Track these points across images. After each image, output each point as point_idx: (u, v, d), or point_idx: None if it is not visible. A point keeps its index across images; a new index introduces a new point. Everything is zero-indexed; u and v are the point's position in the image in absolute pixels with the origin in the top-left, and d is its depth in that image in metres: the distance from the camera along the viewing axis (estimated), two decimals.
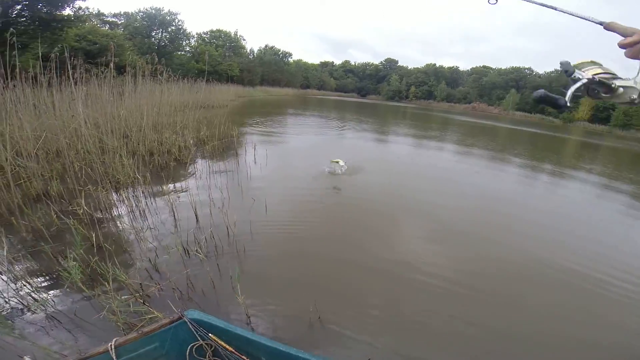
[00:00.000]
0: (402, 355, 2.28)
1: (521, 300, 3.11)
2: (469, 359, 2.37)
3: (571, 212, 6.19)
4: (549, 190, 7.93)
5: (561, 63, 0.74)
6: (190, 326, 1.72)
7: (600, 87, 0.72)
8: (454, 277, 3.31)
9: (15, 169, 4.31)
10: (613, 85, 0.70)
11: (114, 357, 1.53)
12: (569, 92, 0.74)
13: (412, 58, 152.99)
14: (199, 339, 1.73)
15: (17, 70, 5.42)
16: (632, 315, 3.05)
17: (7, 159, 4.30)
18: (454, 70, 65.58)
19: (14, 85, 5.89)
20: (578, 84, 0.73)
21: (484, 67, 60.93)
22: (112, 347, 1.55)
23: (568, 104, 0.75)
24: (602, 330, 2.83)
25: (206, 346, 1.75)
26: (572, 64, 0.75)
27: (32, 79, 6.11)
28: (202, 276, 2.85)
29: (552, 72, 49.37)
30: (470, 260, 3.75)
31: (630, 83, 0.71)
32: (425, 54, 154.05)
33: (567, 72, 0.76)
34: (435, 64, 67.23)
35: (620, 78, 0.72)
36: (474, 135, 19.21)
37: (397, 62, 76.55)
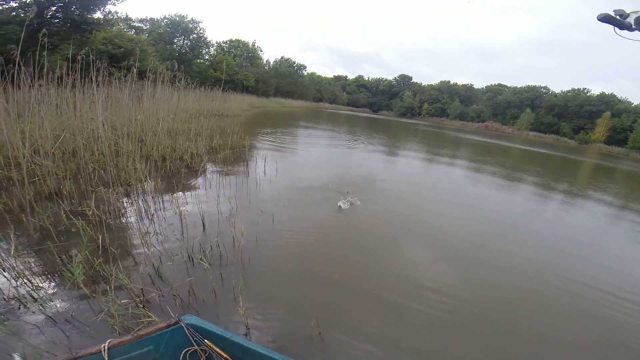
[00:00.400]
0: None
1: (523, 327, 2.96)
2: None
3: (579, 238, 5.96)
4: (558, 216, 7.66)
5: (615, 10, 0.90)
6: (187, 331, 1.70)
7: None
8: (460, 302, 3.18)
9: (31, 166, 4.41)
10: None
11: (106, 358, 1.51)
12: (635, 15, 0.91)
13: (427, 75, 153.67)
14: (194, 344, 1.71)
15: (45, 70, 5.61)
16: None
17: (24, 156, 4.42)
18: (468, 88, 65.16)
19: (40, 85, 6.12)
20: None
21: (499, 85, 60.35)
22: (105, 348, 1.53)
23: (633, 26, 0.92)
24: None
25: (200, 352, 1.72)
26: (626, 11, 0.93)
27: (58, 80, 6.32)
28: (204, 285, 2.80)
29: (568, 92, 48.26)
30: (475, 285, 3.60)
31: None
32: (440, 71, 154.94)
33: (622, 16, 0.93)
34: (449, 81, 67.07)
35: None
36: (485, 154, 18.95)
37: (411, 78, 76.88)
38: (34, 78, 5.83)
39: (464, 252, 4.43)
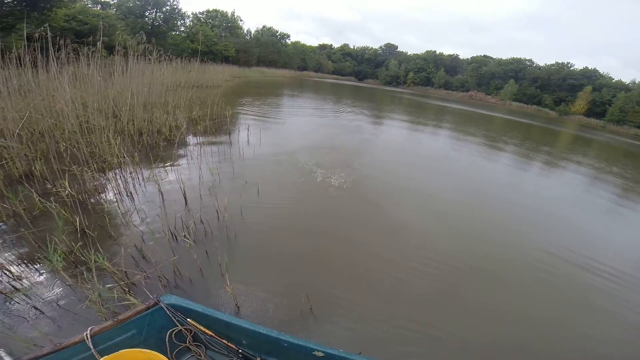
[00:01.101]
0: (392, 350, 2.28)
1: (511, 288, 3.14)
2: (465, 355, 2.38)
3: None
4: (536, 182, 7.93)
5: None
6: (167, 311, 1.68)
7: None
8: (448, 266, 3.31)
9: None
10: None
11: (91, 346, 1.50)
12: None
13: (413, 45, 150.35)
14: (177, 324, 1.69)
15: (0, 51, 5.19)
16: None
17: None
18: (453, 58, 64.51)
19: (1, 67, 5.65)
20: None
21: (485, 56, 60.12)
22: (88, 336, 1.51)
23: None
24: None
25: (185, 331, 1.71)
26: None
27: (17, 60, 5.87)
28: (190, 263, 2.79)
29: (552, 65, 49.10)
30: (461, 248, 3.75)
31: None
32: (425, 41, 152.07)
33: None
34: (435, 51, 66.11)
35: None
36: (468, 123, 19.08)
37: (396, 47, 75.04)
38: None
39: (449, 219, 4.56)
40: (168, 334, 1.69)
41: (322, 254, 3.32)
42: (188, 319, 1.70)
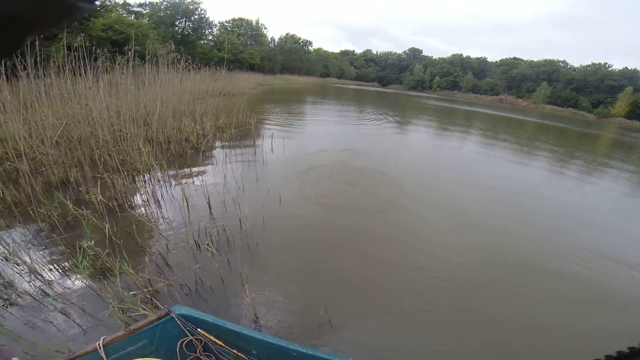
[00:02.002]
0: None
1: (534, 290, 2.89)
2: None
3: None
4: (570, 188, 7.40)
5: None
6: (178, 322, 1.69)
7: None
8: (470, 270, 3.12)
9: (38, 156, 4.42)
10: None
11: (103, 356, 1.52)
12: None
13: (437, 48, 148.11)
14: (188, 334, 1.70)
15: (40, 59, 5.54)
16: None
17: (32, 147, 4.42)
18: (481, 61, 62.66)
19: (43, 75, 6.06)
20: None
21: (515, 59, 58.01)
22: (101, 345, 1.52)
23: None
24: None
25: (196, 341, 1.72)
26: None
27: (59, 68, 6.26)
28: (211, 272, 2.79)
29: (588, 66, 46.60)
30: (485, 252, 3.54)
31: None
32: (451, 44, 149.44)
33: None
34: (461, 55, 64.65)
35: None
36: (502, 129, 18.29)
37: (421, 51, 74.12)
38: (37, 68, 5.78)
39: (477, 232, 4.32)
40: (179, 344, 1.70)
41: (343, 266, 3.23)
42: (198, 329, 1.71)
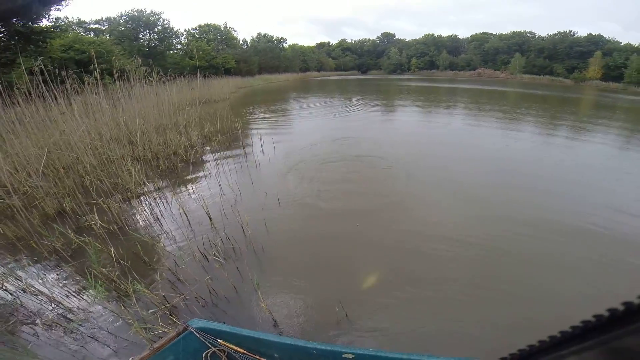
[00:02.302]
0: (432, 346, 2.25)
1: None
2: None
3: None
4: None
5: None
6: (198, 335, 1.75)
7: None
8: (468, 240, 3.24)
9: (28, 190, 4.35)
10: None
11: None
12: None
13: (409, 31, 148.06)
14: (210, 346, 1.76)
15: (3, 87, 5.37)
16: None
17: (20, 182, 4.35)
18: (453, 39, 63.29)
19: (13, 103, 5.87)
20: None
21: (484, 33, 59.07)
22: None
23: None
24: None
25: (219, 352, 1.78)
26: None
27: (25, 95, 6.06)
28: (223, 281, 2.84)
29: (555, 35, 48.38)
30: (499, 224, 3.66)
31: None
32: (420, 25, 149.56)
33: None
34: (433, 34, 65.05)
35: None
36: (483, 99, 18.60)
37: (394, 35, 74.09)
38: (2, 96, 5.62)
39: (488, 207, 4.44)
40: (203, 356, 1.75)
41: (350, 258, 3.31)
42: (219, 340, 1.76)
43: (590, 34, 45.33)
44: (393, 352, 1.65)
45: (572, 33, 47.48)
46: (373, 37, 77.25)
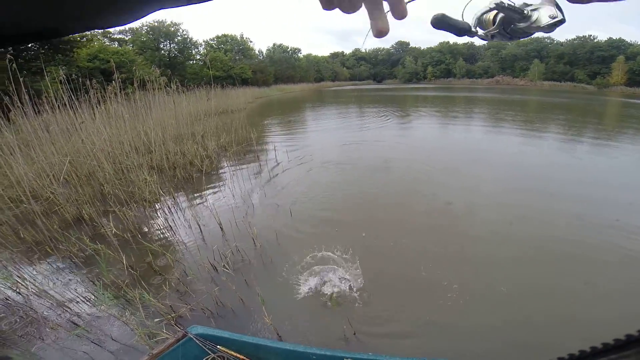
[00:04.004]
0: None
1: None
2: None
3: None
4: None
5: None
6: (197, 341, 1.74)
7: (514, 14, 0.57)
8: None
9: (50, 196, 4.52)
10: (525, 12, 0.56)
11: None
12: (475, 16, 0.63)
13: (423, 39, 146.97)
14: (209, 352, 1.75)
15: (30, 95, 5.64)
16: None
17: (43, 187, 4.54)
18: (469, 46, 62.64)
19: (38, 111, 6.17)
20: (484, 10, 0.61)
21: None
22: None
23: (473, 29, 0.63)
24: None
25: (219, 358, 1.77)
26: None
27: (52, 103, 6.38)
28: (230, 293, 2.83)
29: (574, 40, 47.20)
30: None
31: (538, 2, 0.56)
32: (433, 33, 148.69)
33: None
34: (448, 42, 64.62)
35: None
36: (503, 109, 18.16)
37: (408, 43, 73.92)
38: (34, 105, 5.92)
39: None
40: None
41: (358, 277, 3.21)
42: (218, 346, 1.76)
43: (611, 38, 44.13)
44: (394, 356, 1.64)
45: (591, 37, 46.32)
46: (387, 46, 77.32)
